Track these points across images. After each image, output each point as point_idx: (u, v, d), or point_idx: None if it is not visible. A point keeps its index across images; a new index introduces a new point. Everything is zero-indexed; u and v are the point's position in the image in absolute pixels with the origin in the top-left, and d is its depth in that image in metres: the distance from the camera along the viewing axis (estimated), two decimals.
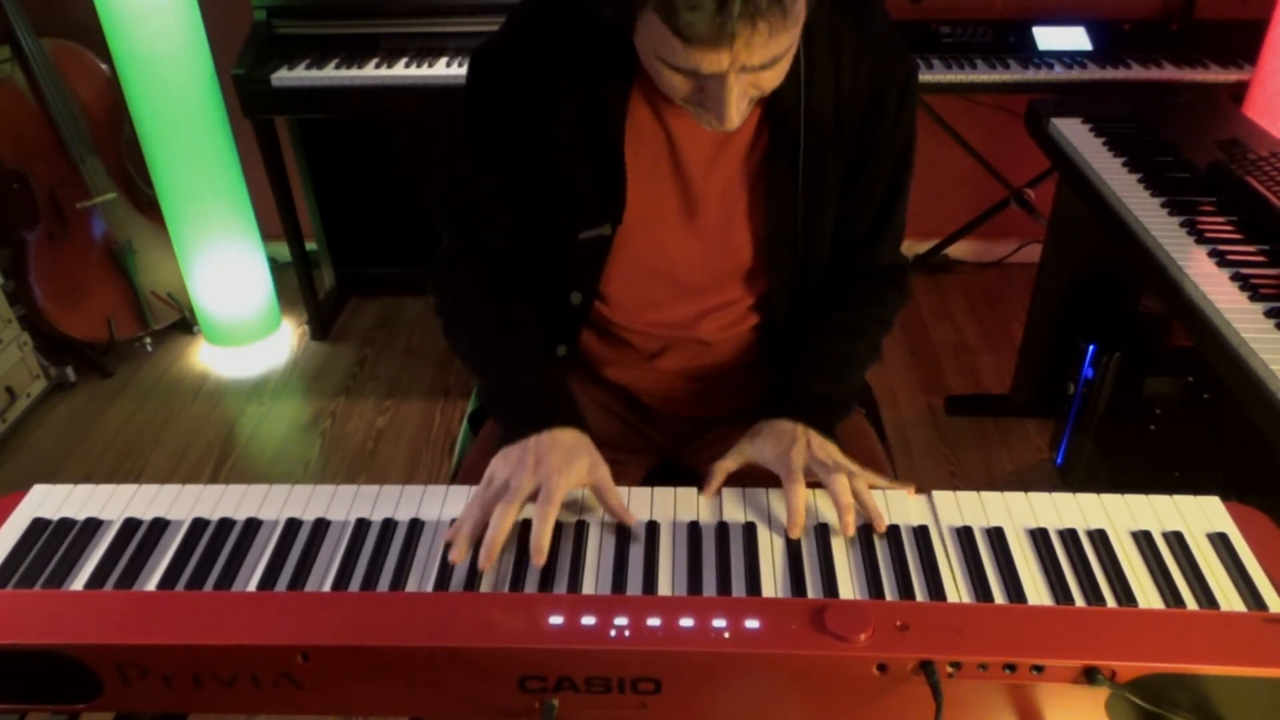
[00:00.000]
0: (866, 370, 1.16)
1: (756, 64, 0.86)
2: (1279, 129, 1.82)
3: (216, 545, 0.92)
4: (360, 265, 3.01)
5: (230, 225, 2.62)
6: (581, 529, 0.93)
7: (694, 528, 0.93)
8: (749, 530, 0.93)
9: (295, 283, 2.77)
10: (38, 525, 0.95)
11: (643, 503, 0.97)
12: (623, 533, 0.93)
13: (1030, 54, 2.42)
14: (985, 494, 0.97)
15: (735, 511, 0.96)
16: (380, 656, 0.78)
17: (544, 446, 0.96)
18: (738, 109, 0.91)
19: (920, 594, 0.86)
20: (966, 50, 2.44)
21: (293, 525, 0.94)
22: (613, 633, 0.77)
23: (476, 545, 0.89)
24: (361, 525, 0.94)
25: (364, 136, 2.78)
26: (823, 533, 0.92)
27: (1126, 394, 1.98)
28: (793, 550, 0.90)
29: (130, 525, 0.95)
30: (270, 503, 0.97)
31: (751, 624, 0.77)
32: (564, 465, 0.94)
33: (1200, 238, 1.49)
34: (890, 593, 0.86)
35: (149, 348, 2.78)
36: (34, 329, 2.56)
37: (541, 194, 1.09)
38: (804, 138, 1.04)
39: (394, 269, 3.00)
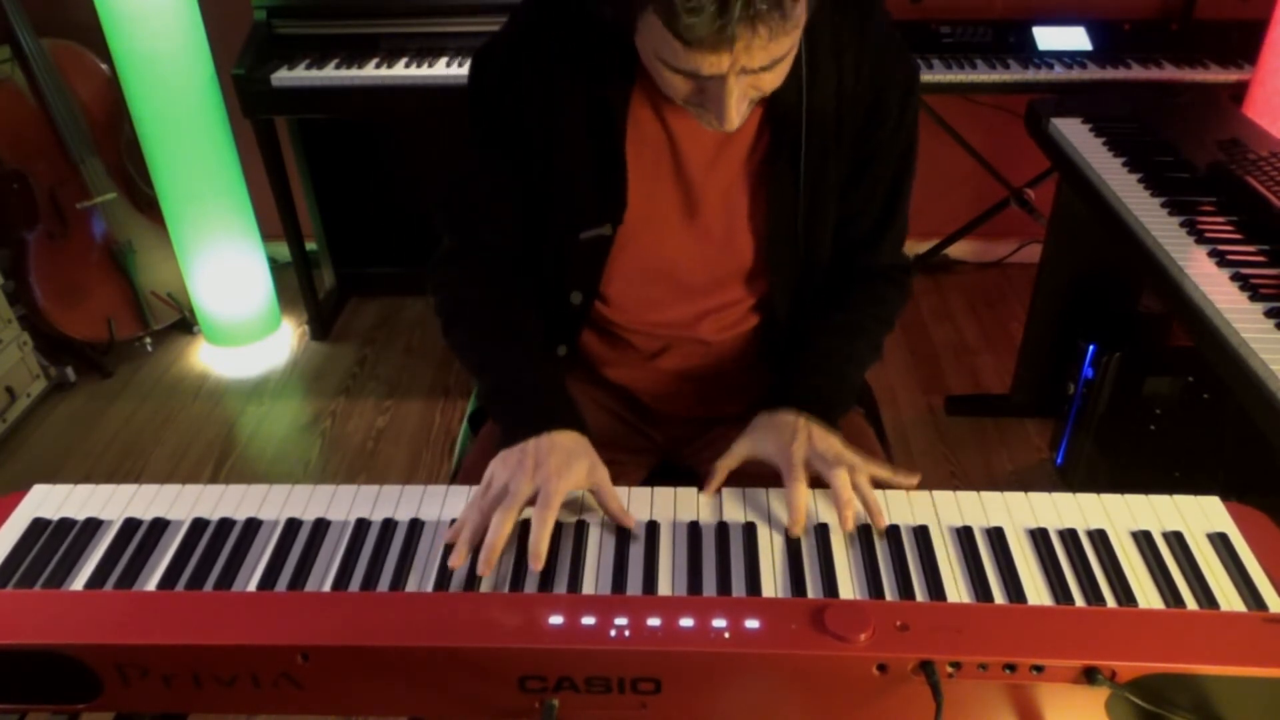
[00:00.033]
0: (867, 369, 1.16)
1: (756, 66, 0.86)
2: (1279, 129, 1.82)
3: (216, 545, 0.92)
4: (360, 265, 3.01)
5: (230, 225, 2.62)
6: (581, 529, 0.93)
7: (694, 528, 0.93)
8: (749, 530, 0.93)
9: (295, 283, 2.77)
10: (38, 525, 0.95)
11: (643, 503, 0.97)
12: (623, 533, 0.93)
13: (1030, 54, 2.42)
14: (985, 494, 0.97)
15: (735, 511, 0.96)
16: (380, 656, 0.78)
17: (543, 449, 0.96)
18: (738, 110, 0.91)
19: (920, 594, 0.86)
20: (966, 50, 2.44)
21: (293, 525, 0.94)
22: (613, 633, 0.77)
23: (476, 550, 0.89)
24: (361, 525, 0.94)
25: (364, 136, 2.78)
26: (823, 532, 0.92)
27: (1126, 394, 1.98)
28: (793, 550, 0.90)
29: (130, 525, 0.95)
30: (270, 503, 0.97)
31: (751, 624, 0.77)
32: (563, 468, 0.93)
33: (1200, 238, 1.49)
34: (890, 593, 0.86)
35: (149, 348, 2.78)
36: (34, 329, 2.56)
37: (542, 194, 1.09)
38: (805, 139, 1.04)
39: (394, 269, 3.00)
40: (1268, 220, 1.50)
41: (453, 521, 0.93)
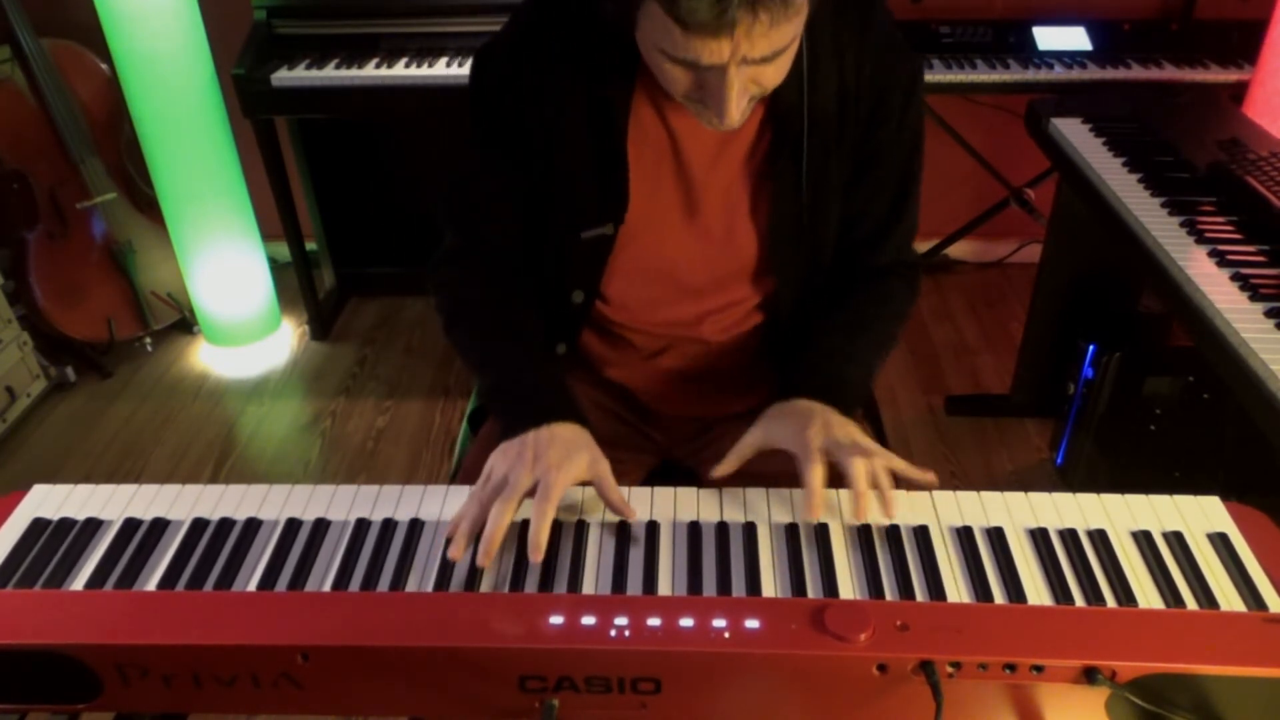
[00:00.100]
0: (880, 365, 1.14)
1: (757, 56, 0.86)
2: (1279, 129, 1.82)
3: (216, 545, 0.92)
4: (360, 265, 3.01)
5: (230, 225, 2.62)
6: (581, 529, 0.93)
7: (694, 527, 0.93)
8: (749, 530, 0.92)
9: (295, 283, 2.77)
10: (38, 525, 0.95)
11: (643, 502, 0.97)
12: (623, 533, 0.93)
13: (1030, 54, 2.42)
14: (985, 494, 0.97)
15: (735, 511, 0.96)
16: (380, 656, 0.78)
17: (543, 441, 0.95)
18: (738, 105, 0.90)
19: (920, 594, 0.86)
20: (966, 50, 2.44)
21: (293, 525, 0.94)
22: (613, 633, 0.77)
23: (475, 541, 0.88)
24: (361, 525, 0.94)
25: (364, 136, 2.78)
26: (823, 532, 0.92)
27: (1126, 394, 1.98)
28: (793, 550, 0.90)
29: (130, 525, 0.95)
30: (270, 503, 0.97)
31: (751, 624, 0.77)
32: (563, 460, 0.93)
33: (1200, 238, 1.49)
34: (890, 593, 0.86)
35: (149, 348, 2.78)
36: (34, 329, 2.56)
37: (544, 193, 1.09)
38: (807, 138, 1.04)
39: (394, 269, 3.00)
40: (1268, 220, 1.50)
41: None
